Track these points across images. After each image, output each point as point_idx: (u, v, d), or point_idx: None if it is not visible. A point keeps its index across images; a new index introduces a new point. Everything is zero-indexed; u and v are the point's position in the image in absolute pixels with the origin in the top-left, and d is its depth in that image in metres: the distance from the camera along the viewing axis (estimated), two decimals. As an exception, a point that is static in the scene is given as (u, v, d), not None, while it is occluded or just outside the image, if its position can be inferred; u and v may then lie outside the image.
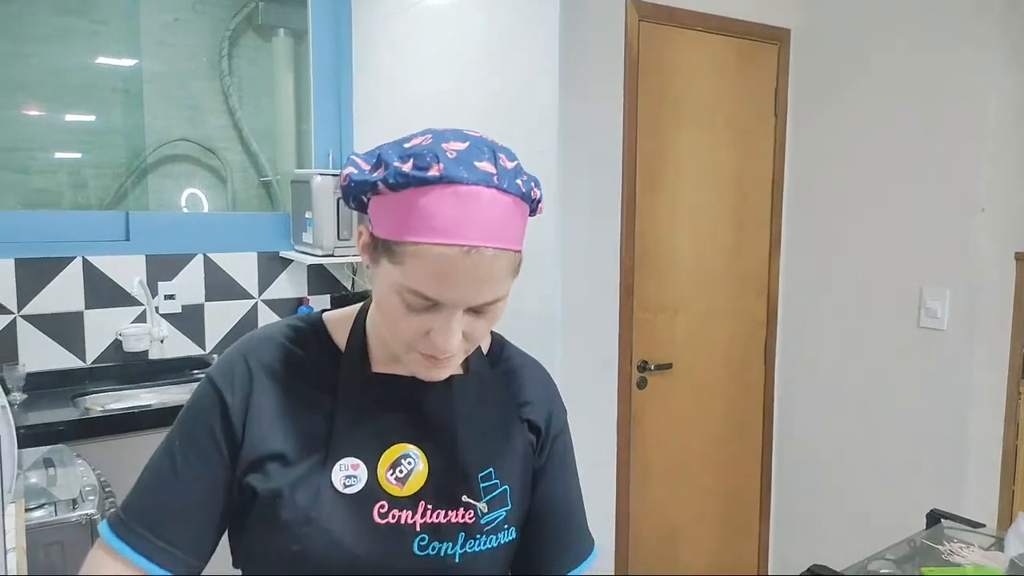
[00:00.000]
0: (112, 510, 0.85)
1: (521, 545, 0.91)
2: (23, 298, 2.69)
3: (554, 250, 2.26)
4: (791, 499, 2.91)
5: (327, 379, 0.84)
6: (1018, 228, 2.33)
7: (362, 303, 0.90)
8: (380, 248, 0.76)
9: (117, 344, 2.87)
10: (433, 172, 0.71)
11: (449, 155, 0.72)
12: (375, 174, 0.75)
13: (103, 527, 0.83)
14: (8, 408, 1.42)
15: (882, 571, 1.41)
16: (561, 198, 2.25)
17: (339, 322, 0.89)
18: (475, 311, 0.77)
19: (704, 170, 2.62)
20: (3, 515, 1.26)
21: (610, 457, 2.47)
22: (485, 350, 0.94)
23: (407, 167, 0.72)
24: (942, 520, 1.61)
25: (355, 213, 0.83)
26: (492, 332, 0.96)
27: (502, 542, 0.85)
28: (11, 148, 2.99)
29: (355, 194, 0.78)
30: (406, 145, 0.75)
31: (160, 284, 2.94)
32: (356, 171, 0.77)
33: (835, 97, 2.66)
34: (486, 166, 0.72)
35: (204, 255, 3.03)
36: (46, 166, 3.10)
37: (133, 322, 2.90)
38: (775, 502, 2.95)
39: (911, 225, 2.43)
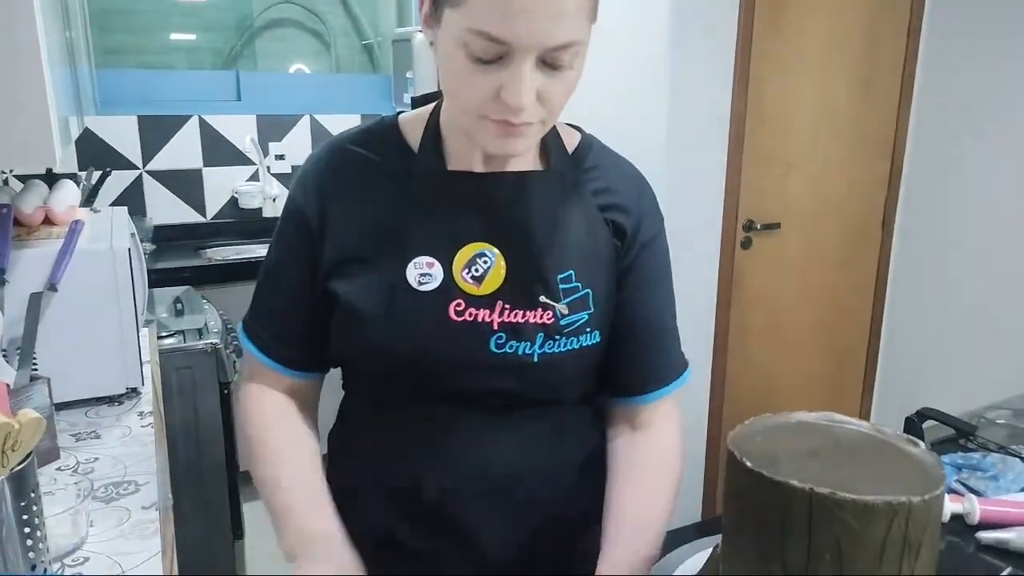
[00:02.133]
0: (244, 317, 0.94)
1: (608, 360, 0.89)
2: (147, 154, 2.85)
3: (661, 86, 2.15)
4: (900, 363, 2.80)
5: (400, 179, 0.83)
6: None
7: (437, 101, 0.86)
8: (440, 1, 0.69)
9: (233, 201, 3.01)
10: None
11: None
12: None
13: (239, 327, 0.93)
14: (137, 236, 1.52)
15: (999, 420, 1.35)
16: (671, 25, 2.11)
17: (413, 121, 0.86)
18: (549, 64, 0.69)
19: (832, 14, 2.39)
20: (138, 334, 1.37)
21: (708, 316, 2.43)
22: (571, 148, 0.88)
23: None
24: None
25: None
26: (581, 131, 0.92)
27: (584, 344, 0.83)
28: (130, 11, 3.08)
29: None
30: None
31: (270, 144, 3.04)
32: None
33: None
34: None
35: (310, 116, 3.09)
36: (163, 29, 3.19)
37: (247, 181, 3.02)
38: (882, 364, 2.85)
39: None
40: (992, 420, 1.34)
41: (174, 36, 3.23)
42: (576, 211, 0.85)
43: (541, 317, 0.80)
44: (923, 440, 1.27)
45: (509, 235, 0.81)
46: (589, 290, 0.83)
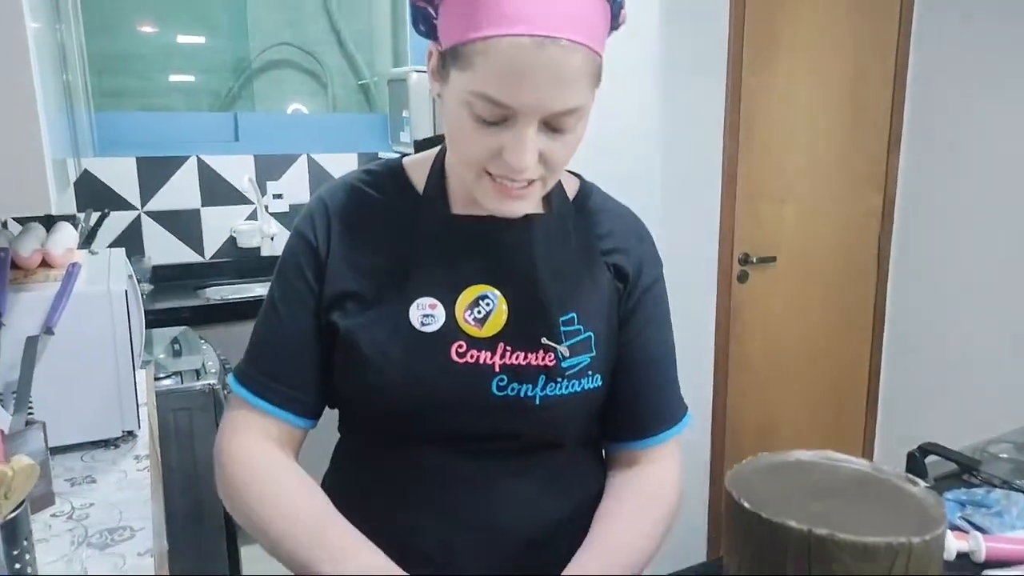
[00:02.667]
0: (234, 369, 0.90)
1: (609, 405, 0.89)
2: (145, 195, 2.87)
3: (653, 125, 2.17)
4: (901, 396, 2.79)
5: (405, 221, 0.84)
6: None
7: (442, 144, 0.88)
8: (448, 59, 0.71)
9: (232, 240, 3.02)
10: None
11: None
12: None
13: (230, 378, 0.89)
14: (135, 277, 1.52)
15: (1002, 454, 1.34)
16: (661, 64, 2.14)
17: (418, 165, 0.88)
18: (552, 127, 0.71)
19: (820, 51, 2.43)
20: (135, 376, 1.37)
21: (707, 352, 2.43)
22: (571, 194, 0.90)
23: None
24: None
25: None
26: (581, 178, 0.94)
27: (586, 388, 0.83)
28: (129, 54, 3.13)
29: None
30: None
31: (268, 184, 3.06)
32: None
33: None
34: None
35: (308, 155, 3.11)
36: (162, 72, 3.23)
37: (245, 220, 3.04)
38: (883, 397, 2.84)
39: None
40: (995, 454, 1.33)
41: (173, 78, 3.27)
42: (578, 255, 0.86)
43: (543, 359, 0.81)
44: (926, 475, 1.27)
45: (512, 277, 0.82)
46: (591, 333, 0.84)
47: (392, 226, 0.84)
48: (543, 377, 0.80)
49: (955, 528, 1.04)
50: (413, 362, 0.79)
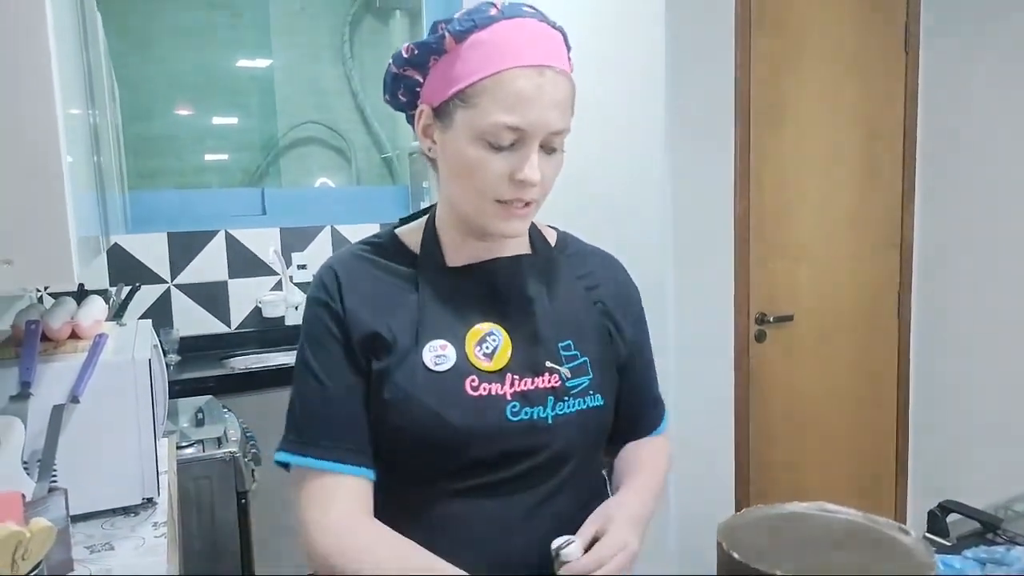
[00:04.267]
0: (280, 446, 0.92)
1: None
2: (175, 269, 2.97)
3: (661, 192, 2.21)
4: (931, 456, 2.72)
5: (406, 278, 0.93)
6: None
7: (428, 210, 0.99)
8: (450, 108, 0.84)
9: (257, 310, 3.10)
10: (493, 12, 0.82)
11: (499, 3, 0.84)
12: (434, 36, 0.84)
13: (280, 456, 0.91)
14: (160, 347, 1.57)
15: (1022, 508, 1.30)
16: (668, 131, 2.19)
17: (410, 231, 0.99)
18: (545, 148, 0.84)
19: (828, 110, 2.47)
20: (156, 443, 1.40)
21: (727, 414, 2.40)
22: (552, 242, 1.01)
23: (466, 16, 0.82)
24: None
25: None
26: (558, 229, 1.05)
27: (591, 406, 0.91)
28: (165, 136, 3.29)
29: (417, 62, 0.86)
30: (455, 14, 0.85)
31: (293, 255, 3.15)
32: (406, 54, 0.86)
33: (976, 31, 2.45)
34: (529, 9, 0.85)
35: (332, 227, 3.21)
36: (195, 152, 3.38)
37: (271, 290, 3.12)
38: (912, 457, 2.77)
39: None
40: (1020, 512, 1.30)
41: (208, 157, 3.42)
42: (566, 290, 0.97)
43: (548, 381, 0.90)
44: (948, 534, 1.24)
45: (511, 314, 0.92)
46: (587, 358, 0.93)
47: (396, 284, 0.93)
48: (551, 398, 0.89)
49: (975, 587, 1.01)
50: (432, 400, 0.86)
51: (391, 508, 0.91)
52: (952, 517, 1.28)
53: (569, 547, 0.84)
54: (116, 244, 2.83)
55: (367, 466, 0.90)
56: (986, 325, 2.50)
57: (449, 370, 0.88)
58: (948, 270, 2.59)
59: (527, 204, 0.86)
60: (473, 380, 0.88)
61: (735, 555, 0.61)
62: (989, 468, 2.49)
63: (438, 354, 0.88)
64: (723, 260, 2.34)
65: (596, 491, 1.00)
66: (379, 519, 0.92)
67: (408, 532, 0.88)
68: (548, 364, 0.90)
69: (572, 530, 0.89)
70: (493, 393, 0.88)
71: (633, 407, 1.04)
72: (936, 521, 1.26)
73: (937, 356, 2.67)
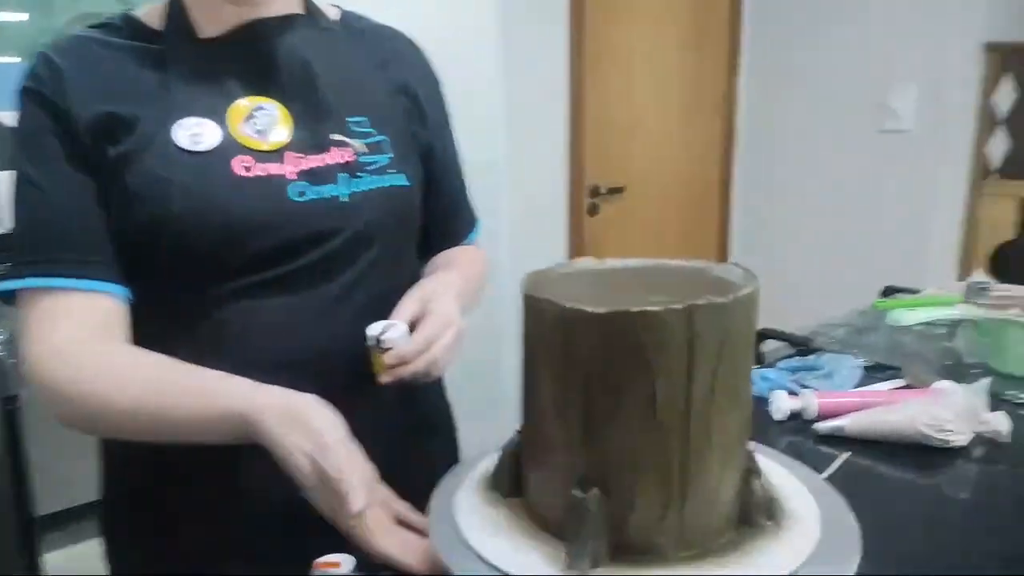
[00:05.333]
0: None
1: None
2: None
3: (494, 64, 2.09)
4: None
5: (150, 55, 0.75)
6: (986, 18, 2.19)
7: None
8: None
9: None
10: None
11: None
12: None
13: (4, 286, 0.72)
14: None
15: (833, 333, 1.35)
16: (501, 3, 2.05)
17: (149, 11, 0.80)
18: None
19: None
20: None
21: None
22: (335, 16, 0.87)
23: None
24: (896, 294, 1.55)
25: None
26: (341, 8, 0.90)
27: (394, 184, 0.80)
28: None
29: None
30: None
31: None
32: None
33: None
34: None
35: None
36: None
37: None
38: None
39: (878, 23, 2.28)
40: (827, 334, 1.34)
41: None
42: (356, 63, 0.83)
43: (339, 157, 0.77)
44: (763, 358, 1.25)
45: (287, 85, 0.77)
46: (386, 137, 0.81)
47: (135, 63, 0.75)
48: (343, 174, 0.77)
49: (788, 392, 1.01)
50: (195, 184, 0.71)
51: (156, 325, 0.75)
52: (768, 346, 1.30)
53: (390, 332, 0.72)
54: None
55: (108, 279, 0.72)
56: (804, 189, 2.61)
57: (212, 150, 0.72)
58: (771, 134, 2.67)
59: None
60: (244, 160, 0.73)
61: (542, 296, 0.51)
62: (801, 312, 2.66)
63: (194, 132, 0.72)
64: (556, 133, 2.28)
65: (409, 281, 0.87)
66: (143, 344, 0.75)
67: (181, 350, 0.72)
68: (336, 137, 0.77)
69: (380, 311, 0.78)
70: (271, 174, 0.73)
71: (441, 208, 0.92)
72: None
73: (755, 223, 2.78)
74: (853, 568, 0.52)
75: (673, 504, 0.52)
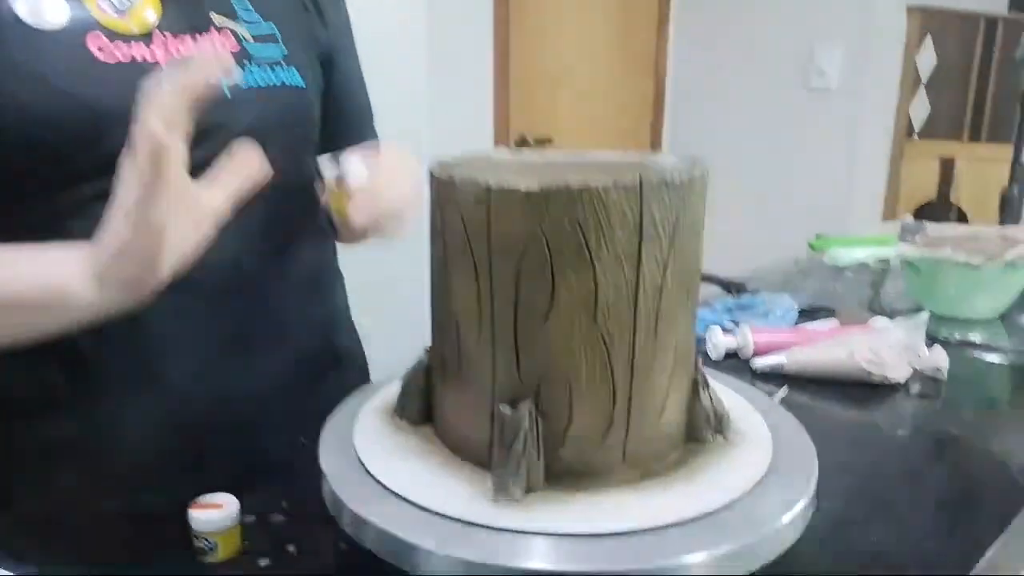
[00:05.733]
0: None
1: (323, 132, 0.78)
2: None
3: (417, 14, 1.96)
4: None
5: None
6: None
7: None
8: None
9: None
10: None
11: None
12: None
13: None
14: None
15: (767, 276, 1.31)
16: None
17: None
18: None
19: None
20: None
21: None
22: None
23: None
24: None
25: None
26: None
27: (288, 83, 0.68)
28: None
29: None
30: None
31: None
32: None
33: None
34: None
35: None
36: None
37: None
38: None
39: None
40: (762, 279, 1.30)
41: None
42: None
43: (221, 44, 0.65)
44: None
45: None
46: (274, 28, 0.69)
47: None
48: None
49: (725, 331, 0.96)
50: (38, 61, 0.57)
51: None
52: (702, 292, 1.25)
53: (346, 160, 0.63)
54: None
55: None
56: (733, 147, 2.60)
57: (62, 29, 0.59)
58: (700, 92, 2.64)
59: None
60: (100, 40, 0.61)
61: (460, 177, 0.43)
62: (731, 266, 2.66)
63: (33, 5, 0.59)
64: (482, 83, 2.17)
65: (310, 213, 0.74)
66: None
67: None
68: (216, 17, 0.65)
69: (275, 237, 0.67)
70: (137, 59, 0.61)
71: (340, 132, 0.80)
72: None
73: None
74: (810, 490, 0.46)
75: (617, 418, 0.44)
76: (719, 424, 0.49)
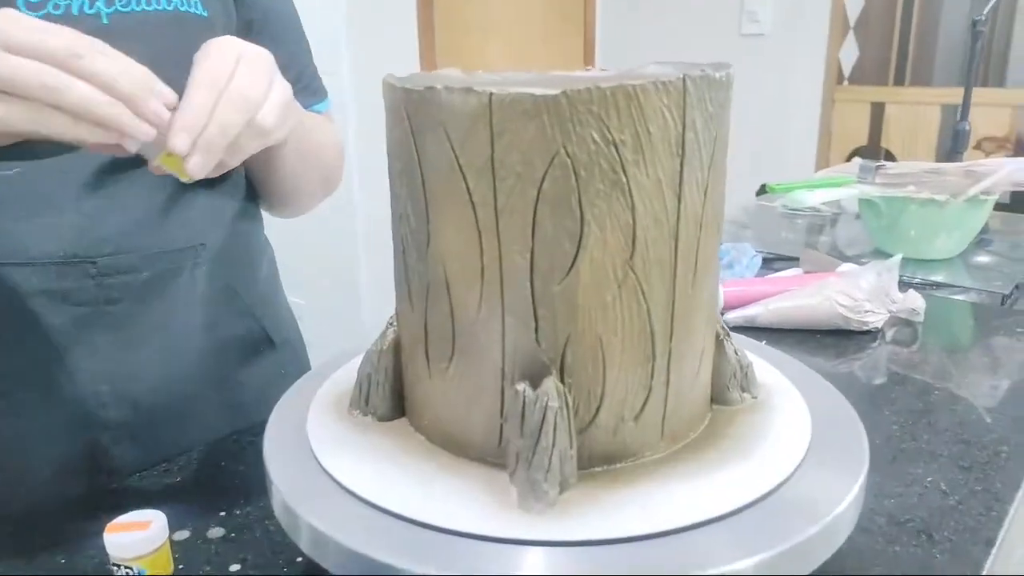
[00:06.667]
0: None
1: None
2: None
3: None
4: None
5: None
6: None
7: None
8: None
9: None
10: None
11: None
12: None
13: None
14: None
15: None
16: None
17: None
18: None
19: None
20: None
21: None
22: None
23: None
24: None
25: None
26: None
27: (179, 9, 0.56)
28: None
29: None
30: None
31: None
32: None
33: None
34: None
35: None
36: None
37: None
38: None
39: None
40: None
41: None
42: None
43: None
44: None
45: None
46: None
47: None
48: None
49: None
50: None
51: None
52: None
53: None
54: None
55: None
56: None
57: None
58: (635, 40, 2.57)
59: None
60: None
61: (449, 87, 0.33)
62: None
63: None
64: (406, 31, 2.04)
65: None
66: None
67: None
68: None
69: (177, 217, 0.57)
70: None
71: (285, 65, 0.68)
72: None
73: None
74: (865, 462, 0.38)
75: (656, 385, 0.36)
76: (745, 381, 0.42)
